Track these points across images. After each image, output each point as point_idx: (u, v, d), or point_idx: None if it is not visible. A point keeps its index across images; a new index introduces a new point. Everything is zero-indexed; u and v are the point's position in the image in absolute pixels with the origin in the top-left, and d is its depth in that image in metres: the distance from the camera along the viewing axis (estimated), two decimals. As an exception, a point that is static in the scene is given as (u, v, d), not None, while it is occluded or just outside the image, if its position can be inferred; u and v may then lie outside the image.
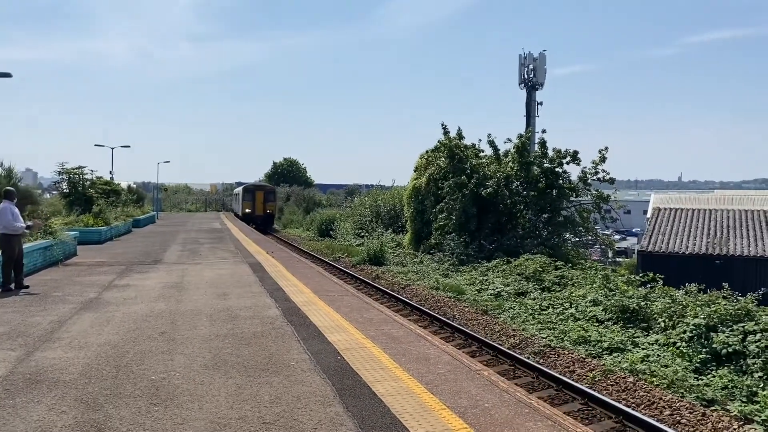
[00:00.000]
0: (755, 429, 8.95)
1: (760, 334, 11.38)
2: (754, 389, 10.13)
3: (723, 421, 9.28)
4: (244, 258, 19.77)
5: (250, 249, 23.29)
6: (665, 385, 10.54)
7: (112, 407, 5.83)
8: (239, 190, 60.68)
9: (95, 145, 66.02)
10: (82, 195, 33.32)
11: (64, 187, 34.35)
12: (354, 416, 5.60)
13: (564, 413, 9.76)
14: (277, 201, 61.57)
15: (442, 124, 30.71)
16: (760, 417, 9.21)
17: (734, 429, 9.08)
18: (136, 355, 7.75)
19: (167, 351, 7.96)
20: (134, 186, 59.91)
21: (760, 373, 10.59)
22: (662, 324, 13.54)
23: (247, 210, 53.40)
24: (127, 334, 8.86)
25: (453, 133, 30.74)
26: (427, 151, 33.31)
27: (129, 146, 49.97)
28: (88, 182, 34.78)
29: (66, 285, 13.55)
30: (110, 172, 48.25)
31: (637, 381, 10.94)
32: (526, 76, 67.85)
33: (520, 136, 28.81)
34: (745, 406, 9.59)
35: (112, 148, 49.14)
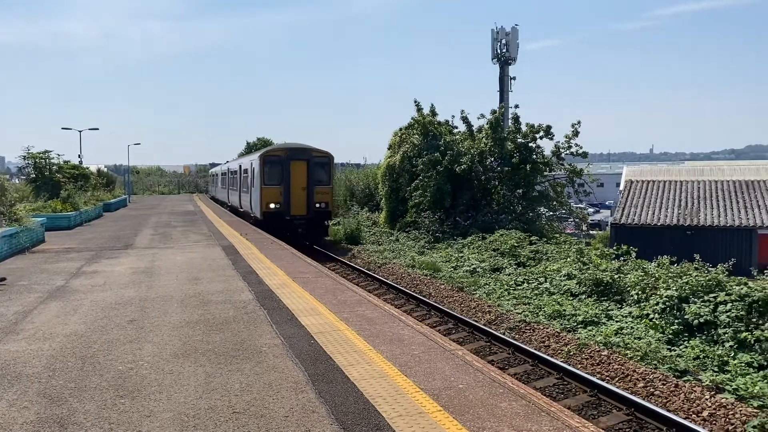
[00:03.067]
0: (726, 398, 9.07)
1: (731, 304, 11.53)
2: (725, 359, 10.28)
3: (695, 391, 9.40)
4: (217, 241, 19.50)
5: (224, 231, 22.99)
6: (639, 358, 10.64)
7: (76, 401, 5.65)
8: (250, 161, 29.53)
9: (62, 128, 54.18)
10: (50, 180, 32.60)
11: (31, 172, 33.53)
12: (326, 402, 5.50)
13: (539, 390, 9.83)
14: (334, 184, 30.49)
15: (415, 101, 30.48)
16: (730, 386, 9.34)
17: (706, 399, 9.20)
18: (104, 345, 7.55)
19: (136, 340, 7.77)
20: (104, 169, 58.79)
21: (731, 343, 10.74)
22: (635, 296, 13.67)
23: (272, 205, 25.90)
24: (95, 323, 8.64)
25: (426, 110, 30.55)
26: (401, 129, 33.12)
27: (97, 129, 48.54)
28: (55, 167, 34.00)
29: (32, 273, 13.21)
30: (79, 156, 46.89)
31: (611, 354, 11.03)
32: (498, 51, 67.58)
33: (493, 112, 28.74)
34: (716, 375, 9.72)
35: (80, 131, 47.96)
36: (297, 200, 26.00)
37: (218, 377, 6.26)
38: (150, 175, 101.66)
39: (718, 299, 11.84)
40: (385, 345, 7.35)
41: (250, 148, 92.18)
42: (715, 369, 10.06)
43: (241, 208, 32.43)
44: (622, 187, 36.72)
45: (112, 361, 6.90)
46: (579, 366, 10.98)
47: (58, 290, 11.21)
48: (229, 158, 63.18)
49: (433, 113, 30.58)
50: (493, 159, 28.31)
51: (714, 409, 8.90)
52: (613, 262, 16.52)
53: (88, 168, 45.27)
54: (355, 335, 7.78)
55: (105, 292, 10.95)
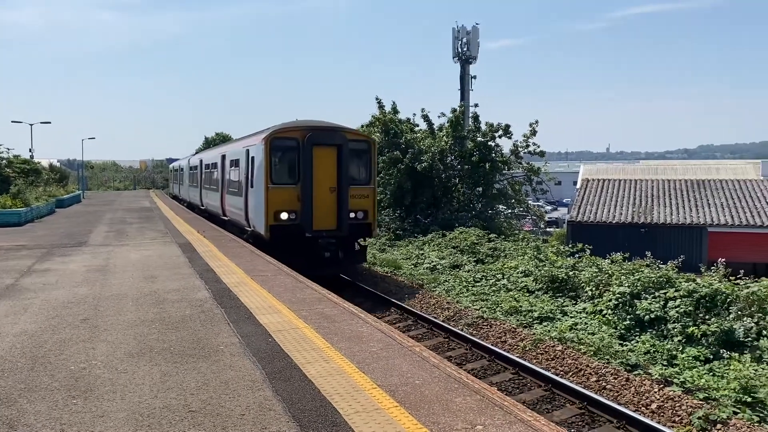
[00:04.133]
0: (674, 390, 9.39)
1: (680, 300, 11.92)
2: (674, 353, 10.63)
3: (645, 384, 9.70)
4: (173, 238, 19.20)
5: (181, 229, 22.65)
6: (592, 352, 10.92)
7: (26, 402, 5.53)
8: (245, 148, 19.98)
9: (12, 122, 51.91)
10: (-1, 175, 31.58)
11: (-22, 167, 32.47)
12: (283, 400, 5.51)
13: (495, 385, 10.00)
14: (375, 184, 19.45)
15: (377, 98, 30.55)
16: (678, 379, 9.67)
17: (655, 392, 9.51)
18: (55, 344, 7.39)
19: (89, 339, 7.63)
20: (57, 164, 57.23)
21: (679, 337, 11.11)
22: (589, 293, 14.00)
23: (284, 215, 17.31)
24: (46, 323, 8.44)
25: (388, 108, 30.65)
26: (362, 126, 33.14)
27: (49, 122, 47.36)
28: (4, 161, 32.96)
29: (-20, 272, 12.80)
30: (30, 150, 45.65)
31: (565, 349, 11.29)
32: (459, 50, 68.06)
33: (454, 111, 29.03)
34: (665, 369, 10.05)
35: (31, 125, 46.62)
36: (322, 207, 17.19)
37: (174, 376, 6.20)
38: (105, 170, 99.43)
39: (668, 295, 12.23)
40: (344, 342, 7.38)
41: (208, 144, 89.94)
42: (664, 363, 10.41)
43: (225, 216, 22.97)
44: (578, 186, 37.49)
45: (64, 360, 6.76)
46: (534, 361, 11.21)
47: (8, 289, 10.90)
48: (185, 153, 56.63)
49: (395, 111, 30.71)
50: (453, 157, 28.60)
51: (662, 401, 9.20)
52: (568, 259, 16.88)
53: (39, 163, 44.03)
54: (314, 333, 7.79)
55: (57, 291, 10.70)
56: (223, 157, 23.98)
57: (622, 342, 11.48)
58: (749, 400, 8.77)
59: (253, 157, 18.31)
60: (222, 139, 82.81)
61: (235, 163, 21.18)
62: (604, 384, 9.99)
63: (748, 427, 8.22)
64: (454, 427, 4.90)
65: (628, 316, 12.24)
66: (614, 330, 11.94)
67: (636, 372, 10.18)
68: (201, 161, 31.63)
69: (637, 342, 11.31)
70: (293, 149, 17.20)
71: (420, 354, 6.95)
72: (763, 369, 9.72)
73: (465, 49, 69.14)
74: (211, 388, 5.83)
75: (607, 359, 10.65)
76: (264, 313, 8.84)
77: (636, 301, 12.56)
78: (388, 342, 7.44)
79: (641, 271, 13.67)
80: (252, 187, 18.24)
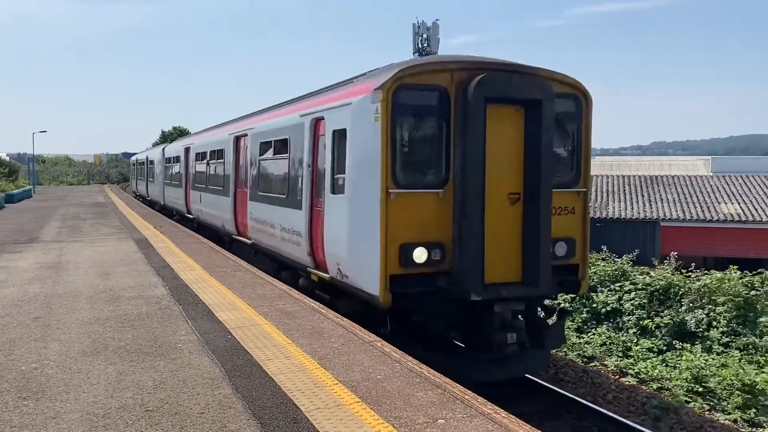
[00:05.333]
0: (629, 380, 9.62)
1: (635, 293, 12.22)
2: (629, 344, 10.90)
3: (601, 375, 9.91)
4: (129, 234, 18.78)
5: (137, 224, 22.16)
6: (550, 345, 11.09)
7: (-27, 404, 5.32)
8: (315, 111, 10.72)
9: None
10: (-56, 169, 30.36)
11: None
12: (243, 397, 5.43)
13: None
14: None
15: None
16: (633, 369, 9.91)
17: (611, 382, 9.73)
18: (5, 344, 7.14)
19: (41, 338, 7.40)
20: (6, 158, 55.39)
21: (634, 330, 11.40)
22: (547, 286, 14.21)
23: (417, 254, 8.47)
24: (-5, 322, 8.15)
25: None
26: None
27: (-2, 115, 45.73)
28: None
29: (-76, 269, 12.29)
30: (-23, 144, 44.04)
31: (524, 342, 11.43)
32: (420, 46, 68.20)
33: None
34: (620, 360, 10.30)
35: (-22, 117, 44.89)
36: (499, 237, 8.86)
37: (130, 375, 6.06)
38: (57, 164, 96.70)
39: (624, 288, 12.52)
40: (305, 338, 7.33)
41: (165, 138, 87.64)
42: (620, 354, 10.66)
43: (248, 238, 14.88)
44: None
45: (14, 361, 6.54)
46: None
47: (-46, 287, 10.49)
48: (140, 148, 51.58)
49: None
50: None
51: (618, 392, 9.42)
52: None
53: (-13, 156, 42.48)
54: (274, 329, 7.71)
55: (6, 289, 10.34)
56: (240, 138, 15.95)
57: (579, 335, 11.72)
58: (700, 389, 9.04)
59: (340, 133, 9.56)
60: (180, 133, 76.32)
61: (281, 146, 12.55)
62: (562, 376, 10.17)
63: (699, 415, 8.48)
64: (416, 421, 4.91)
65: (585, 309, 12.50)
66: (572, 323, 12.17)
67: (592, 364, 10.40)
68: (187, 150, 23.86)
69: (594, 334, 11.56)
70: (436, 112, 8.77)
71: (381, 349, 6.94)
72: (713, 359, 10.04)
73: (425, 44, 69.48)
74: (169, 387, 5.72)
75: (565, 352, 10.85)
76: (223, 310, 8.71)
77: (593, 294, 12.83)
78: (349, 337, 7.41)
79: (597, 264, 13.96)
80: (336, 192, 9.63)
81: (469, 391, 5.67)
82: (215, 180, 18.49)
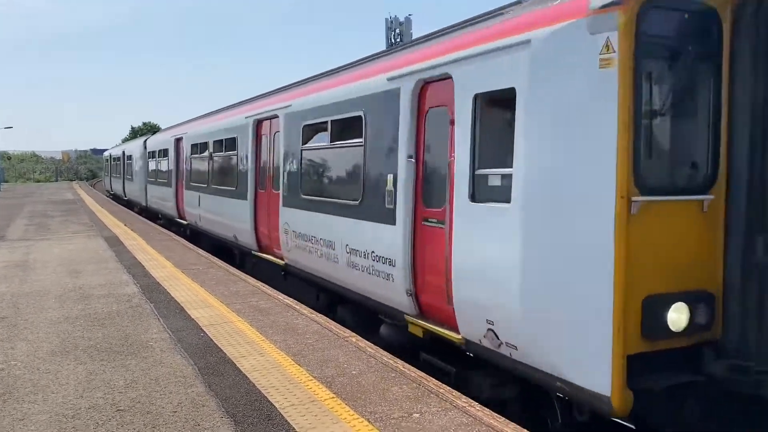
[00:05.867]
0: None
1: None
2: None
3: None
4: (99, 231, 18.47)
5: (107, 221, 21.81)
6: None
7: (-63, 407, 5.19)
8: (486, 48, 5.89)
9: None
10: None
11: None
12: (217, 395, 5.38)
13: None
14: None
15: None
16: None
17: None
18: (-30, 345, 6.97)
19: (8, 338, 7.24)
20: (-30, 155, 54.08)
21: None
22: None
23: (683, 314, 4.74)
24: (-41, 323, 7.95)
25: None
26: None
27: (-39, 110, 44.54)
28: None
29: None
30: (-61, 140, 42.87)
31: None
32: (393, 41, 68.27)
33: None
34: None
35: (-59, 113, 43.70)
36: None
37: (101, 375, 5.96)
38: (24, 161, 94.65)
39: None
40: (279, 335, 7.29)
41: (135, 134, 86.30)
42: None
43: (297, 268, 10.55)
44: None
45: (-20, 362, 6.39)
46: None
47: None
48: (110, 144, 49.46)
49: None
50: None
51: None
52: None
53: (-50, 153, 41.41)
54: (248, 326, 7.66)
55: (-29, 289, 10.10)
56: (263, 122, 12.31)
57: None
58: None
59: (494, 97, 5.94)
60: (150, 129, 73.77)
61: (345, 129, 8.98)
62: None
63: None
64: (390, 415, 4.91)
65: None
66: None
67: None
68: (178, 141, 19.83)
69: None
70: (705, 53, 4.93)
71: (356, 344, 6.94)
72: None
73: (398, 39, 69.45)
74: (141, 386, 5.64)
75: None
76: (196, 307, 8.62)
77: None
78: (324, 333, 7.40)
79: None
80: (483, 200, 5.96)
81: (444, 385, 5.70)
82: (223, 178, 14.57)
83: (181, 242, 16.08)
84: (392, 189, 7.35)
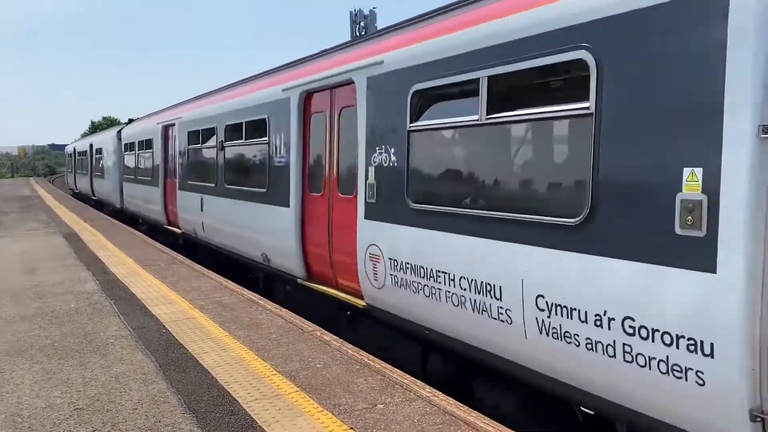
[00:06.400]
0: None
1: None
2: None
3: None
4: (57, 228, 18.02)
5: (65, 218, 21.30)
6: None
7: None
8: None
9: None
10: None
11: None
12: (178, 392, 5.30)
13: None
14: None
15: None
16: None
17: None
18: None
19: (-40, 339, 7.01)
20: None
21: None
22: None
23: None
24: None
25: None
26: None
27: None
28: None
29: None
30: None
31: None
32: (357, 34, 68.09)
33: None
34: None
35: None
36: None
37: (58, 374, 5.82)
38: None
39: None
40: (242, 330, 7.22)
41: (95, 128, 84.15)
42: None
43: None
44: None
45: (-70, 363, 6.18)
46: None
47: None
48: (69, 140, 44.94)
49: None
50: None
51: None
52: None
53: None
54: (210, 322, 7.56)
55: None
56: (314, 95, 8.84)
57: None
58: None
59: None
60: (110, 123, 71.24)
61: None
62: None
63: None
64: (355, 408, 4.91)
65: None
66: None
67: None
68: (167, 129, 16.33)
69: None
70: None
71: (321, 338, 6.91)
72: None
73: (363, 33, 69.31)
74: (100, 384, 5.52)
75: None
76: (157, 304, 8.48)
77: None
78: (288, 328, 7.35)
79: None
80: None
81: (408, 376, 5.72)
82: (243, 175, 11.26)
83: (142, 238, 15.79)
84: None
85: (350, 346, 6.69)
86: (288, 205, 9.05)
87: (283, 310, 8.28)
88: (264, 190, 9.91)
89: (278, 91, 9.61)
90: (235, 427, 4.60)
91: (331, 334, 7.10)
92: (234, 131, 11.43)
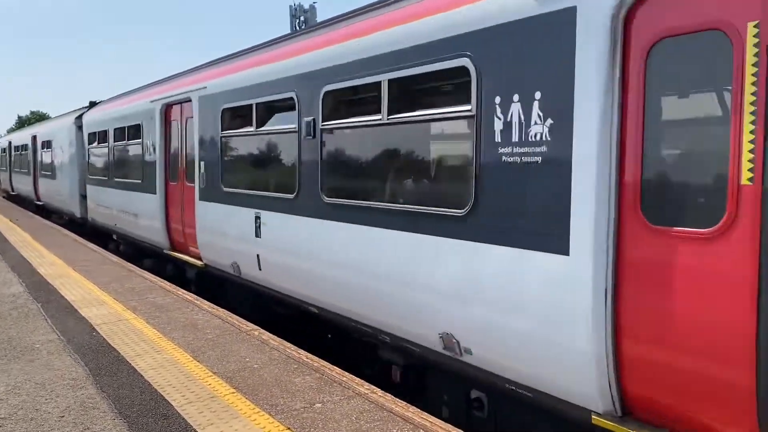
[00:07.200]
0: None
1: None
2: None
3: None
4: (-20, 229, 17.16)
5: (-10, 218, 20.31)
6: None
7: None
8: None
9: None
10: None
11: None
12: (109, 396, 5.13)
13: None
14: None
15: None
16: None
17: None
18: None
19: None
20: None
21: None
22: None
23: None
24: None
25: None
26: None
27: None
28: None
29: None
30: None
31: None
32: (297, 28, 67.52)
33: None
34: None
35: None
36: None
37: (-22, 382, 5.53)
38: None
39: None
40: (178, 331, 7.05)
41: (22, 123, 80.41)
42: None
43: None
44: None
45: None
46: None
47: None
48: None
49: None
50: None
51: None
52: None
53: None
54: (144, 324, 7.35)
55: None
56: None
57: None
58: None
59: None
60: (39, 118, 66.81)
61: None
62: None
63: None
64: (292, 407, 4.87)
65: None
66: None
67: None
68: (168, 109, 11.59)
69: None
70: None
71: (259, 338, 6.82)
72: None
73: (302, 27, 68.76)
74: (24, 392, 5.28)
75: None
76: (88, 306, 8.18)
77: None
78: (225, 328, 7.22)
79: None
80: None
81: (347, 373, 5.71)
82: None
83: (72, 237, 15.21)
84: None
85: (289, 345, 6.63)
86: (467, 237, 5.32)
87: (221, 310, 8.14)
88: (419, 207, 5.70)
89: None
90: (168, 431, 4.48)
91: (270, 333, 7.03)
92: (402, 90, 5.92)
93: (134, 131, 13.17)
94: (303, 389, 5.25)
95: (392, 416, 4.67)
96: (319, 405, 4.91)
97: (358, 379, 5.57)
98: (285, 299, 7.84)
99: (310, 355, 6.23)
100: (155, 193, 11.66)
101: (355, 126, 6.57)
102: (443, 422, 4.62)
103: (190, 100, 10.26)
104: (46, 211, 22.61)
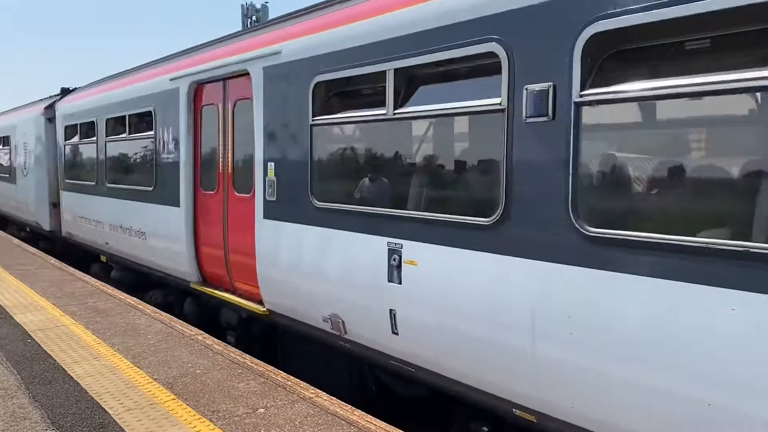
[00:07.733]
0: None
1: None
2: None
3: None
4: None
5: None
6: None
7: None
8: None
9: None
10: None
11: None
12: (42, 406, 4.93)
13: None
14: None
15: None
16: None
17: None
18: None
19: None
20: None
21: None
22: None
23: None
24: None
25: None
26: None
27: None
28: None
29: None
30: None
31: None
32: (249, 27, 66.74)
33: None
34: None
35: None
36: None
37: None
38: None
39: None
40: (118, 337, 6.84)
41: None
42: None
43: None
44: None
45: None
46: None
47: None
48: None
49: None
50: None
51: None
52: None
53: None
54: (83, 329, 7.12)
55: None
56: None
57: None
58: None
59: None
60: None
61: None
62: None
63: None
64: (235, 413, 4.78)
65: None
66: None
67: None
68: (226, 76, 7.67)
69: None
70: None
71: (203, 342, 6.69)
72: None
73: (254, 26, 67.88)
74: (-50, 403, 5.04)
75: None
76: (23, 312, 7.87)
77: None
78: (168, 332, 7.05)
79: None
80: None
81: (291, 377, 5.64)
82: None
83: (13, 241, 14.63)
84: None
85: (233, 349, 6.52)
86: None
87: (164, 314, 7.95)
88: None
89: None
90: (104, 440, 4.34)
91: (214, 338, 6.89)
92: None
93: (140, 122, 9.99)
94: (246, 394, 5.17)
95: (336, 419, 4.64)
96: (263, 410, 4.84)
97: (303, 383, 5.51)
98: (438, 383, 4.92)
99: (255, 360, 6.13)
100: (178, 206, 8.53)
101: None
102: (386, 424, 4.61)
103: (245, 74, 7.11)
104: (3, 222, 19.12)
